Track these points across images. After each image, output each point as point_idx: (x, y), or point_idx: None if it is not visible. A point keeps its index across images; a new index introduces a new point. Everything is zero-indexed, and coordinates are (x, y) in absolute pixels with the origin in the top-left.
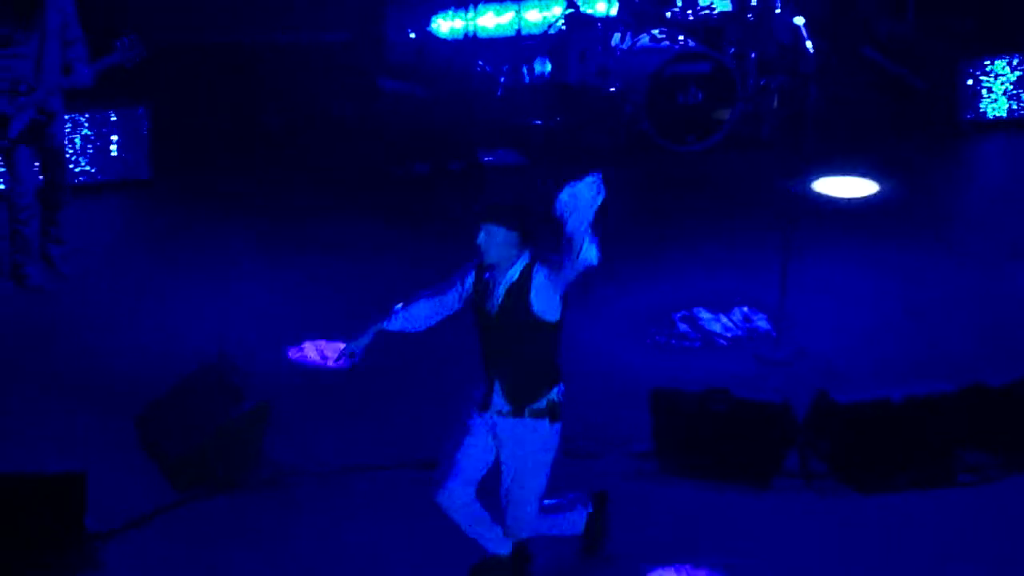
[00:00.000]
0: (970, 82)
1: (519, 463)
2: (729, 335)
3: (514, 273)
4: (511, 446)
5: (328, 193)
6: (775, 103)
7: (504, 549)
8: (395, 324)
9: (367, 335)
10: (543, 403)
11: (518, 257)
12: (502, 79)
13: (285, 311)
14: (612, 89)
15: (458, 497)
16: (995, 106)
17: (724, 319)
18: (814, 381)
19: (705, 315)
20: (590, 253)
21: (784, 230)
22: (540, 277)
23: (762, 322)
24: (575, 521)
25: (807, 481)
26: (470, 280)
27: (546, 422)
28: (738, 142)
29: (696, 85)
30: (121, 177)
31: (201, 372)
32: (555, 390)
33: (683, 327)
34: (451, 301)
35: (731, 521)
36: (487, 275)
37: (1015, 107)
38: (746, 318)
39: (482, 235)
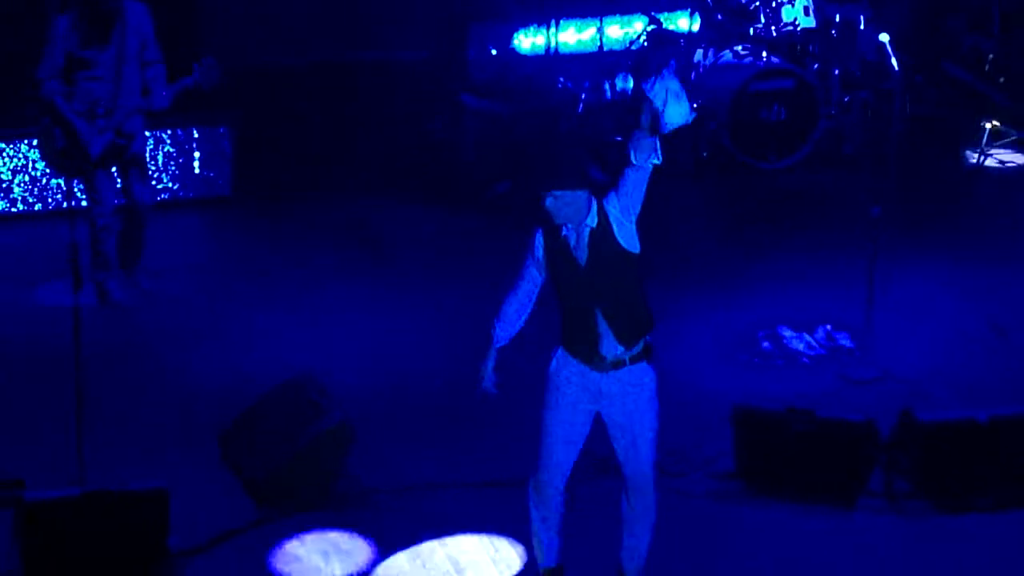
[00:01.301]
0: None
1: (634, 412)
2: (812, 354)
3: (592, 220)
4: (623, 398)
5: (412, 211)
6: (858, 120)
7: (544, 562)
8: (503, 338)
9: (490, 360)
10: (640, 346)
11: (589, 206)
12: (583, 95)
13: (367, 329)
14: (695, 105)
15: (546, 487)
16: None
17: (807, 338)
18: (898, 400)
19: (788, 333)
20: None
21: (869, 248)
22: (614, 211)
23: (845, 340)
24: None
25: (892, 501)
26: (540, 248)
27: (645, 363)
28: (821, 159)
29: (779, 102)
30: (203, 194)
31: (284, 389)
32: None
33: (766, 346)
34: (535, 279)
35: (815, 541)
36: (564, 232)
37: None
38: (829, 336)
39: (549, 201)
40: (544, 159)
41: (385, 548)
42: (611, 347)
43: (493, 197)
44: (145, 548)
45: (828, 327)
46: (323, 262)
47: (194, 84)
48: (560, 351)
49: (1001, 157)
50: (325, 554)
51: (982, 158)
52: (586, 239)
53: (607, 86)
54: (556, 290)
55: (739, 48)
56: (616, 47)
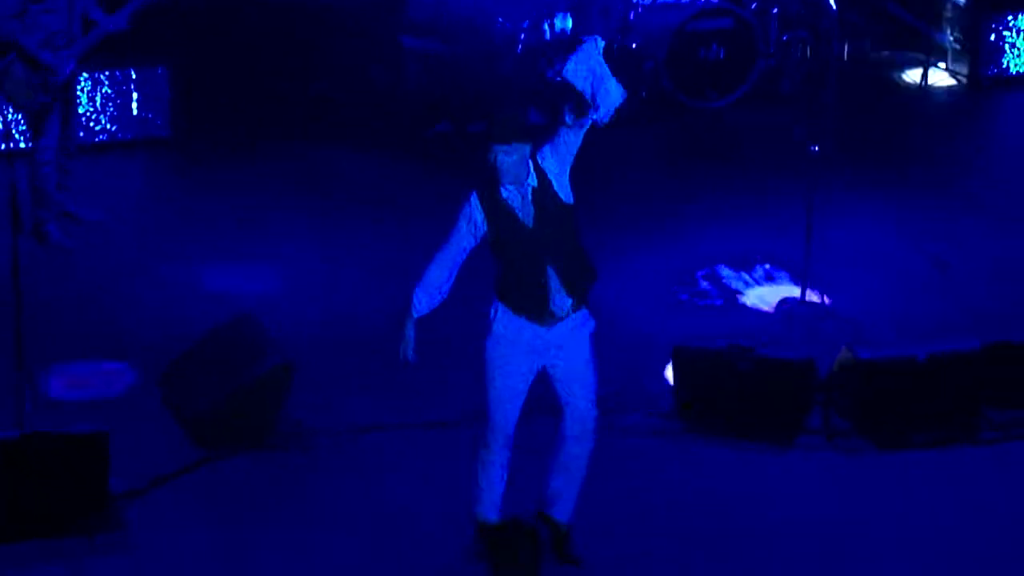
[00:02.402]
0: (992, 37)
1: (579, 358)
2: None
3: (532, 179)
4: (569, 346)
5: (351, 152)
6: (796, 59)
7: (492, 516)
8: (424, 307)
9: (409, 331)
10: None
11: (530, 163)
12: (522, 36)
13: (308, 270)
14: (633, 45)
15: (495, 443)
16: (1018, 61)
17: (746, 276)
18: (837, 338)
19: (727, 273)
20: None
21: (807, 187)
22: (551, 167)
23: (785, 280)
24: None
25: (830, 438)
26: (479, 212)
27: (584, 309)
28: (760, 97)
29: (717, 41)
30: (141, 135)
31: (224, 330)
32: None
33: (706, 285)
34: (465, 246)
35: (754, 478)
36: (504, 194)
37: None
38: (768, 275)
39: (501, 157)
40: (490, 115)
41: (322, 489)
42: (562, 302)
43: (433, 137)
44: (86, 491)
45: (767, 266)
46: (262, 203)
47: (144, 2)
48: (501, 310)
49: (941, 84)
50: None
51: (923, 82)
52: (530, 198)
53: (546, 26)
54: (500, 252)
55: None
56: None
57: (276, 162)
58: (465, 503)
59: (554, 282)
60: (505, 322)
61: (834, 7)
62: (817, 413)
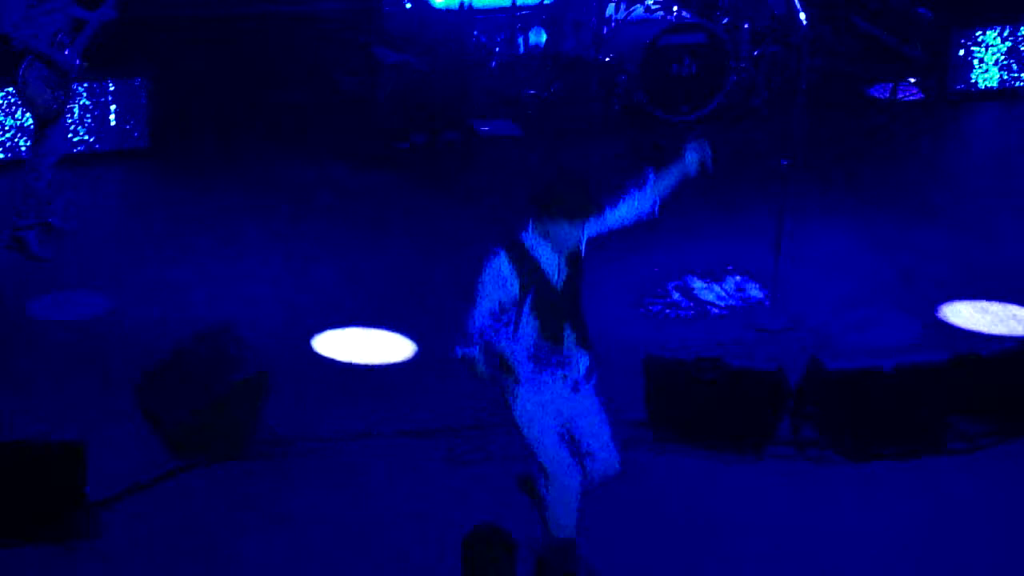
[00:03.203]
0: (961, 52)
1: (592, 397)
2: (722, 304)
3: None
4: (584, 385)
5: (326, 163)
6: (767, 73)
7: (566, 534)
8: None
9: (480, 366)
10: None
11: None
12: (497, 49)
13: (285, 280)
14: (607, 59)
15: (573, 472)
16: (986, 76)
17: (717, 288)
18: (807, 349)
19: (698, 284)
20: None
21: (777, 199)
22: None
23: (755, 291)
24: None
25: (799, 449)
26: (507, 270)
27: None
28: (731, 112)
29: (690, 55)
30: (119, 147)
31: (200, 340)
32: None
33: (676, 296)
34: (500, 301)
35: (724, 489)
36: (539, 256)
37: (1005, 77)
38: (739, 287)
39: (562, 229)
40: (554, 186)
41: (297, 498)
42: (573, 346)
43: (408, 148)
44: (62, 498)
45: (738, 277)
46: (239, 213)
47: None
48: (528, 354)
49: (911, 98)
50: None
51: (893, 97)
52: (564, 264)
53: (520, 40)
54: (524, 304)
55: (650, 2)
56: (530, 1)
57: (253, 172)
58: (445, 512)
59: (568, 329)
60: (527, 359)
61: (804, 22)
62: (787, 423)
